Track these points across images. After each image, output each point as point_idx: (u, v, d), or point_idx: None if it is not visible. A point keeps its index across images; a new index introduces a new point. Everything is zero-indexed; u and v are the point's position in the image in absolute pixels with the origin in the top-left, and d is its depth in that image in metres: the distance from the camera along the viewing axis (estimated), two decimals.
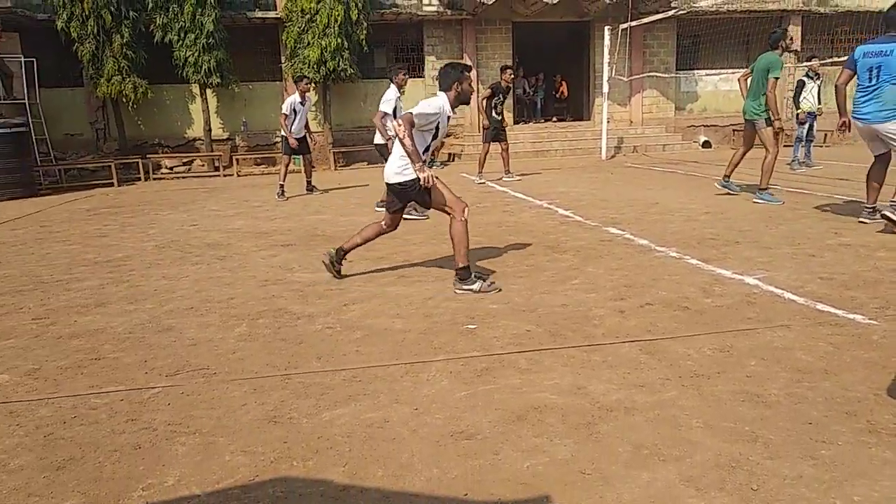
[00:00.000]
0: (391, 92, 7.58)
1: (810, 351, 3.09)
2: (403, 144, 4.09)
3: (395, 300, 4.20)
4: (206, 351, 3.41)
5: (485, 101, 10.14)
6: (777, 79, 7.01)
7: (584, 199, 8.40)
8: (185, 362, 3.26)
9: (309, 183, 10.33)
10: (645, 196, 8.42)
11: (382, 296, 4.32)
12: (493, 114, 10.18)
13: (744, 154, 7.76)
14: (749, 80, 7.50)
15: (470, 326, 3.63)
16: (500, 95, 10.21)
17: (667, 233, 5.98)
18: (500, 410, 2.61)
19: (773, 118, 7.15)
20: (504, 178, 10.73)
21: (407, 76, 7.90)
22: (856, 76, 5.82)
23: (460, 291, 4.28)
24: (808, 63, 11.91)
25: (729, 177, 8.01)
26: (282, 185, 9.72)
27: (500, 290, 4.30)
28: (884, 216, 5.52)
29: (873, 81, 5.62)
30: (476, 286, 4.26)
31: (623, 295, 4.11)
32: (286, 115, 9.40)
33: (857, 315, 3.55)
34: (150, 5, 13.38)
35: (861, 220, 6.01)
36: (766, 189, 7.39)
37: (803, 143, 11.13)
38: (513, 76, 10.78)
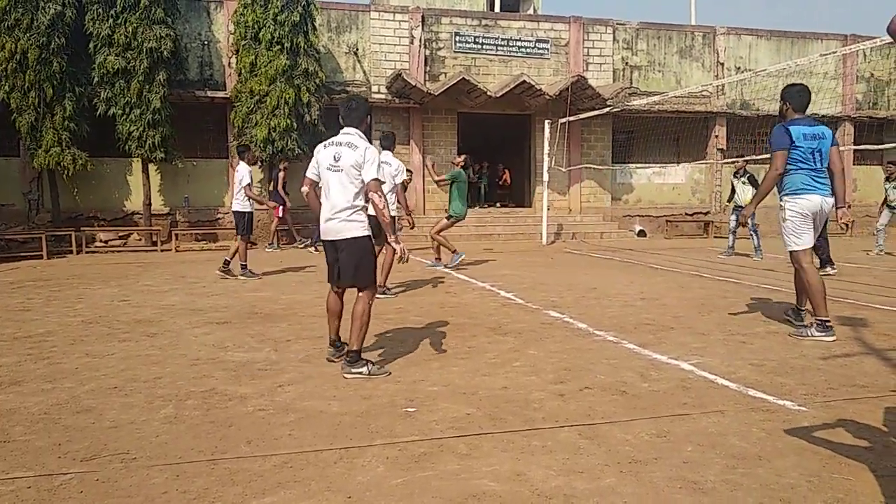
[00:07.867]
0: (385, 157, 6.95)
1: (744, 437, 3.14)
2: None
3: (332, 381, 4.09)
4: (127, 434, 3.20)
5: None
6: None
7: (526, 282, 8.53)
8: (102, 446, 3.04)
9: (227, 262, 9.14)
10: (584, 281, 8.61)
11: (320, 377, 4.19)
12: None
13: None
14: None
15: (409, 409, 3.55)
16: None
17: (605, 317, 6.09)
18: (438, 498, 2.52)
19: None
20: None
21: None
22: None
23: (349, 376, 4.14)
24: (736, 160, 12.61)
25: None
26: (244, 265, 9.04)
27: (389, 373, 4.20)
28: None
29: (818, 164, 5.20)
30: (365, 370, 4.15)
31: (563, 378, 4.12)
32: (249, 185, 8.91)
33: (786, 401, 3.65)
34: (95, 80, 13.34)
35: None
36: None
37: (735, 233, 11.82)
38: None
